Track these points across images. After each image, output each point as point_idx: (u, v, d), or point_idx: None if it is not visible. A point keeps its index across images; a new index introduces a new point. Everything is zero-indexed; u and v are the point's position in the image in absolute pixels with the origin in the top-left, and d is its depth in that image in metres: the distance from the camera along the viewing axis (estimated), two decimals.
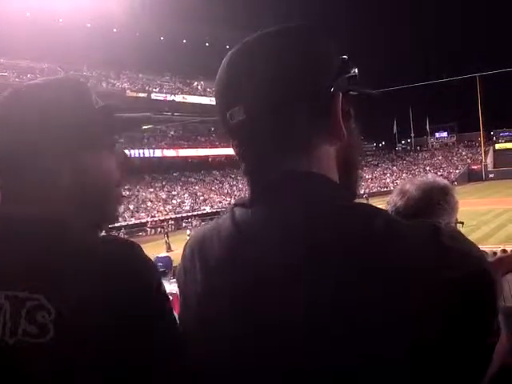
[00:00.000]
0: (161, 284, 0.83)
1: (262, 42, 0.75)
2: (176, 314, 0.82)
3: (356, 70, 0.76)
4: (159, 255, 7.39)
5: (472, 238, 0.76)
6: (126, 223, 35.70)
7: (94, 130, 0.91)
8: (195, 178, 55.47)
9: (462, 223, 1.63)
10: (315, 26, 0.76)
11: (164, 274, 5.61)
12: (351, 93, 0.77)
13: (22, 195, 0.86)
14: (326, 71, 0.73)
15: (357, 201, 0.74)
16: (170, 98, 59.79)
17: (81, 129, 0.89)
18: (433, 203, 1.54)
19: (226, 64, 0.76)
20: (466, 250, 0.64)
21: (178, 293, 0.83)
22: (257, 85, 0.71)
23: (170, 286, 4.18)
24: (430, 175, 1.71)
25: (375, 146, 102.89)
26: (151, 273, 0.83)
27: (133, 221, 38.36)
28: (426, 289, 0.59)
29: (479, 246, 0.68)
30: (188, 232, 27.87)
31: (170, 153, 54.37)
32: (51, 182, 0.86)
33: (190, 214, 44.60)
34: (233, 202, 0.80)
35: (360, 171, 0.82)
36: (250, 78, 0.72)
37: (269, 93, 0.71)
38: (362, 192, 50.07)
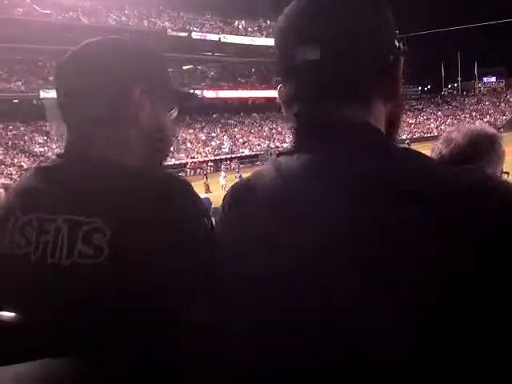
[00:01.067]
0: (208, 216, 0.88)
1: None
2: None
3: (405, 46, 0.79)
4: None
5: None
6: (166, 163, 36.03)
7: (166, 88, 1.03)
8: (235, 121, 55.31)
9: (508, 173, 1.61)
10: None
11: None
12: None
13: (98, 135, 0.94)
14: (394, 34, 0.77)
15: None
16: (210, 37, 58.90)
17: (159, 82, 1.01)
18: (479, 151, 1.51)
19: None
20: (508, 191, 0.64)
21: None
22: (336, 31, 0.72)
23: None
24: (477, 123, 1.67)
25: (420, 90, 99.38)
26: (199, 205, 0.89)
27: (173, 161, 38.82)
28: (464, 224, 0.59)
29: None
30: (223, 174, 27.12)
31: (209, 94, 53.98)
32: (135, 113, 0.96)
33: (228, 156, 44.85)
34: (276, 148, 0.80)
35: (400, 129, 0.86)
36: (330, 21, 0.72)
37: (347, 42, 0.71)
38: (403, 137, 48.94)
